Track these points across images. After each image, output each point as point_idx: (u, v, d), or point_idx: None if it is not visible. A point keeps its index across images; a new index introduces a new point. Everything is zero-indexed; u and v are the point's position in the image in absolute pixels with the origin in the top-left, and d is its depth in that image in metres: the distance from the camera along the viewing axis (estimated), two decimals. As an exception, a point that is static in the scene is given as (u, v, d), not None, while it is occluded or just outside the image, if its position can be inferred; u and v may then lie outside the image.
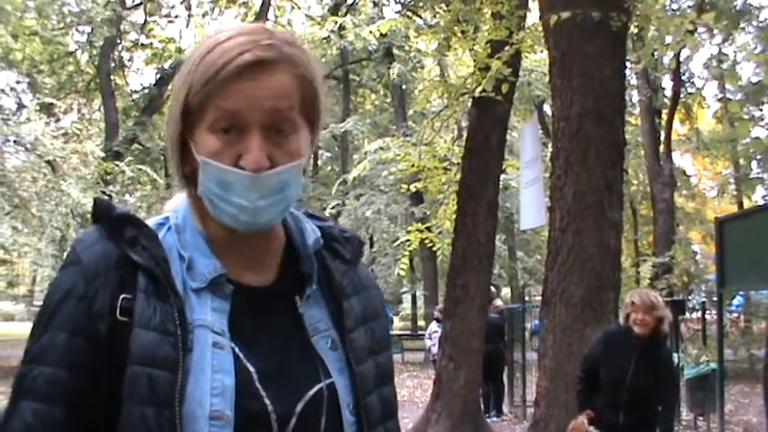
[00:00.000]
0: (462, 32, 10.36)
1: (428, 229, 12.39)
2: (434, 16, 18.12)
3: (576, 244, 6.50)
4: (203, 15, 24.01)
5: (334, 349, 1.14)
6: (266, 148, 1.05)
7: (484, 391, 11.01)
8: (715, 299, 9.47)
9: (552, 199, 6.88)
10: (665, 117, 19.95)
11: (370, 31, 15.17)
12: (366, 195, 21.15)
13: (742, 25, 17.81)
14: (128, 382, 1.01)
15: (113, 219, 1.10)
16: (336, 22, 16.71)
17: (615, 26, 6.55)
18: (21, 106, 20.26)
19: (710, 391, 8.65)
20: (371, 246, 23.32)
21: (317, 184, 24.36)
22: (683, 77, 20.46)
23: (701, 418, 10.08)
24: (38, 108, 18.84)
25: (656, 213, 19.09)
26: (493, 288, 11.86)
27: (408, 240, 12.19)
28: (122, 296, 1.05)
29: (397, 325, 33.03)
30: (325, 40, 20.38)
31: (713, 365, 8.79)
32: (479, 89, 8.63)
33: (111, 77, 22.67)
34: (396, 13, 22.39)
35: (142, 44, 24.57)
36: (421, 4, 19.87)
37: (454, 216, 10.13)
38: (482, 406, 10.59)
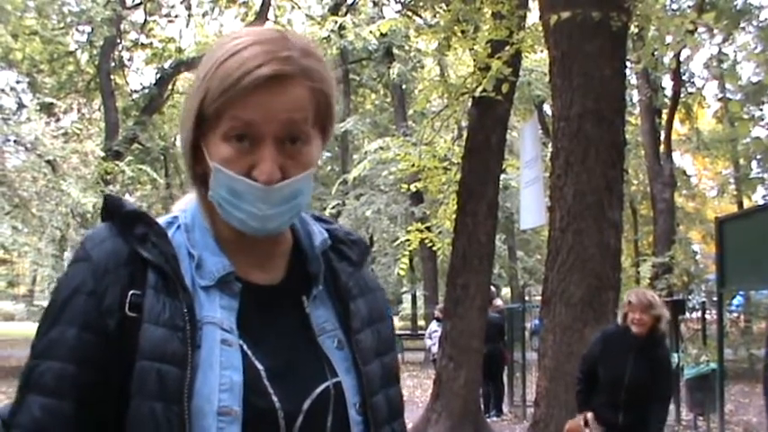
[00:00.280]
0: (462, 32, 10.36)
1: (428, 228, 12.38)
2: (434, 16, 18.11)
3: (576, 244, 6.50)
4: (203, 15, 24.03)
5: (340, 349, 1.15)
6: (279, 160, 1.06)
7: (484, 391, 11.01)
8: (715, 299, 9.48)
9: (552, 199, 6.88)
10: (665, 117, 19.94)
11: (371, 31, 15.16)
12: (366, 195, 21.16)
13: (742, 25, 17.81)
14: (137, 378, 1.02)
15: (123, 216, 1.10)
16: (336, 22, 16.69)
17: (615, 26, 6.55)
18: (21, 106, 20.27)
19: (710, 391, 8.65)
20: (371, 245, 23.32)
21: (317, 183, 24.35)
22: (684, 77, 20.45)
23: (700, 418, 10.09)
24: (38, 108, 18.83)
25: (657, 213, 19.08)
26: (493, 288, 11.87)
27: (408, 240, 12.18)
28: (132, 292, 1.05)
29: (397, 325, 33.01)
30: (325, 40, 20.34)
31: (713, 365, 8.79)
32: (479, 89, 8.63)
33: (111, 77, 22.67)
34: (396, 12, 22.39)
35: (142, 44, 24.57)
36: (421, 3, 19.87)
37: (454, 216, 10.13)
38: (482, 406, 10.60)
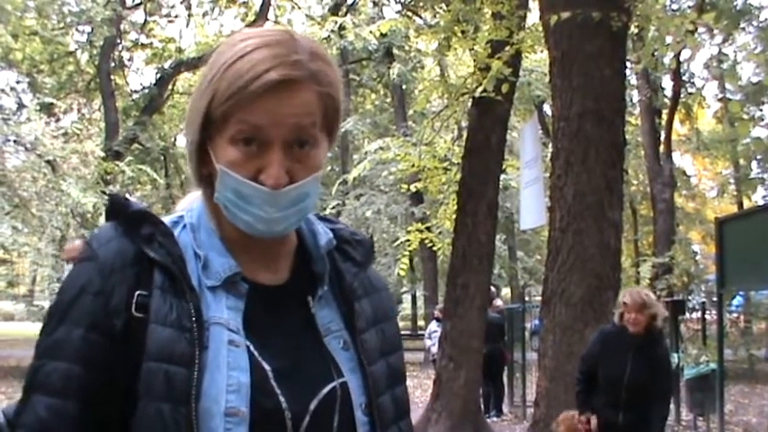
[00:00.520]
0: (462, 32, 10.36)
1: (428, 229, 12.39)
2: (434, 16, 18.12)
3: (576, 244, 6.51)
4: (203, 15, 24.02)
5: (346, 350, 1.15)
6: (286, 164, 1.06)
7: (484, 392, 11.01)
8: (715, 299, 9.47)
9: (552, 199, 6.89)
10: (665, 117, 19.94)
11: (371, 31, 15.17)
12: (366, 195, 21.15)
13: (742, 25, 17.80)
14: (144, 379, 1.01)
15: (129, 215, 1.10)
16: (336, 22, 16.69)
17: (615, 26, 6.56)
18: (21, 106, 20.25)
19: (710, 391, 8.65)
20: (371, 246, 23.30)
21: (317, 184, 24.32)
22: (684, 77, 20.44)
23: (700, 419, 10.08)
24: (38, 108, 18.80)
25: (656, 213, 19.09)
26: (493, 288, 11.86)
27: (408, 240, 12.18)
28: (138, 292, 1.05)
29: (397, 325, 32.96)
30: (325, 40, 20.34)
31: (713, 366, 8.79)
32: (480, 89, 8.63)
33: (111, 77, 22.64)
34: (396, 13, 22.38)
35: (142, 44, 24.55)
36: (421, 4, 19.86)
37: (454, 216, 10.13)
38: (482, 406, 10.60)
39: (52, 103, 20.74)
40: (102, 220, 16.92)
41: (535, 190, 8.53)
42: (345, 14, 18.98)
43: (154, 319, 1.03)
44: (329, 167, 28.86)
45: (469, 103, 10.07)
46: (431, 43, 16.47)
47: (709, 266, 18.15)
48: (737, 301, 16.41)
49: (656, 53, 8.85)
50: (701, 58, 28.32)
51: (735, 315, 16.57)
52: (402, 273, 15.44)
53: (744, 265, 6.67)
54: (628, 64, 8.18)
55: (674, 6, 17.33)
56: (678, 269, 17.55)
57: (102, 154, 18.77)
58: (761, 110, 20.96)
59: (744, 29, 18.27)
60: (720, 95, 22.87)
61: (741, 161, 23.48)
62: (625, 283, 13.90)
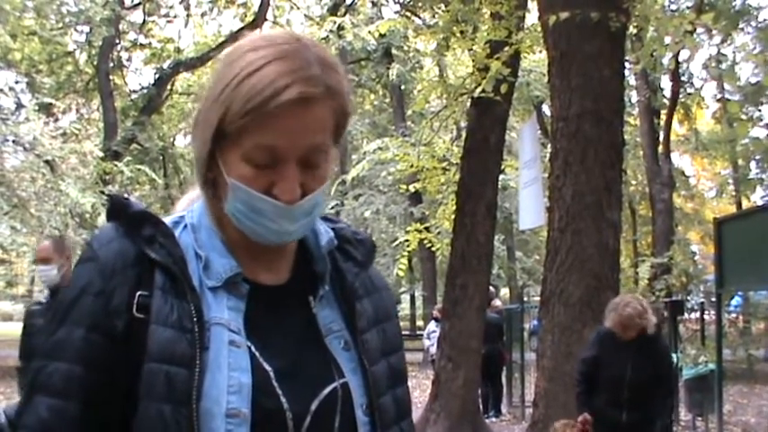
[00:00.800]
0: (461, 33, 10.36)
1: (427, 229, 12.39)
2: (433, 16, 18.11)
3: (575, 244, 6.51)
4: (202, 15, 23.99)
5: (347, 350, 1.15)
6: (299, 178, 1.06)
7: (483, 392, 11.01)
8: (714, 299, 9.47)
9: (551, 199, 6.89)
10: (663, 117, 19.93)
11: (369, 32, 15.18)
12: (365, 195, 21.15)
13: (741, 26, 17.80)
14: (145, 380, 1.01)
15: (130, 216, 1.10)
16: (335, 22, 16.65)
17: (614, 26, 6.56)
18: (19, 106, 20.20)
19: (709, 391, 8.65)
20: (370, 246, 23.30)
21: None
22: (682, 78, 20.44)
23: (699, 419, 10.09)
24: (36, 108, 18.76)
25: (655, 214, 19.08)
26: (492, 288, 11.86)
27: (407, 240, 12.18)
28: (139, 293, 1.05)
29: (396, 325, 32.95)
30: (323, 41, 20.31)
31: (712, 366, 8.79)
32: (478, 89, 8.62)
33: (110, 77, 22.62)
34: (395, 13, 22.39)
35: (141, 44, 24.55)
36: (420, 4, 19.85)
37: (453, 216, 10.13)
38: (481, 406, 10.59)
39: (51, 103, 20.71)
40: (100, 220, 16.92)
41: (534, 190, 8.53)
42: (344, 14, 18.95)
43: (155, 319, 1.03)
44: (328, 168, 28.89)
45: (468, 104, 10.08)
46: (429, 43, 16.48)
47: (707, 267, 18.15)
48: (736, 301, 16.43)
49: (654, 53, 8.83)
50: (700, 58, 28.37)
51: (733, 315, 16.59)
52: (401, 273, 15.41)
53: (742, 266, 6.66)
54: (626, 64, 8.19)
55: (673, 7, 17.33)
56: (677, 269, 17.54)
57: (101, 154, 18.75)
58: (759, 110, 20.96)
59: (743, 29, 18.28)
60: (719, 96, 22.87)
61: (740, 161, 23.49)
62: (624, 283, 13.91)
